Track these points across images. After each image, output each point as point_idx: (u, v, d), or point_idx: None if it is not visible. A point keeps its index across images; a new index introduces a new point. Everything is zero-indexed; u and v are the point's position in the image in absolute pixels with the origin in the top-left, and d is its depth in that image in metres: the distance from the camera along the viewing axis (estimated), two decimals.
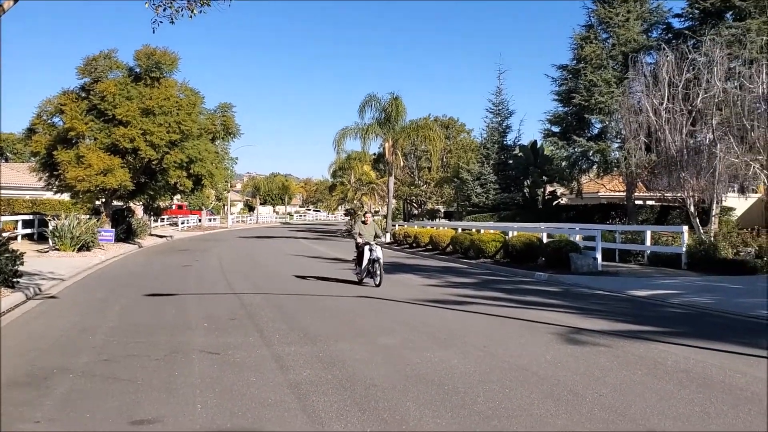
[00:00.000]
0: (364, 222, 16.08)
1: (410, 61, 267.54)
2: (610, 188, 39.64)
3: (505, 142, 45.25)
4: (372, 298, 13.09)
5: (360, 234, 15.60)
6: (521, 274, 19.09)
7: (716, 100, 21.68)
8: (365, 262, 15.14)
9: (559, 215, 35.48)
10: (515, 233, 24.39)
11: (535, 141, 43.22)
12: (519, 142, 45.43)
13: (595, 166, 33.28)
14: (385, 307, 12.03)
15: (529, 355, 7.86)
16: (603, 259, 20.07)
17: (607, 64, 31.48)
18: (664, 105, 22.39)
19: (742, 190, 25.74)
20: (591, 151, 31.54)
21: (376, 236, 15.65)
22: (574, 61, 33.17)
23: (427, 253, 29.13)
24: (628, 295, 14.07)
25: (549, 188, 43.57)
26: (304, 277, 17.34)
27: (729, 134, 21.20)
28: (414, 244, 32.84)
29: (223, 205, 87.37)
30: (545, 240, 22.39)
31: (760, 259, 17.78)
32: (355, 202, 61.31)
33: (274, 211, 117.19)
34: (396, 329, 9.64)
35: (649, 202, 33.66)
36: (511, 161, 44.09)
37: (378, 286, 14.71)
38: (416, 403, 5.86)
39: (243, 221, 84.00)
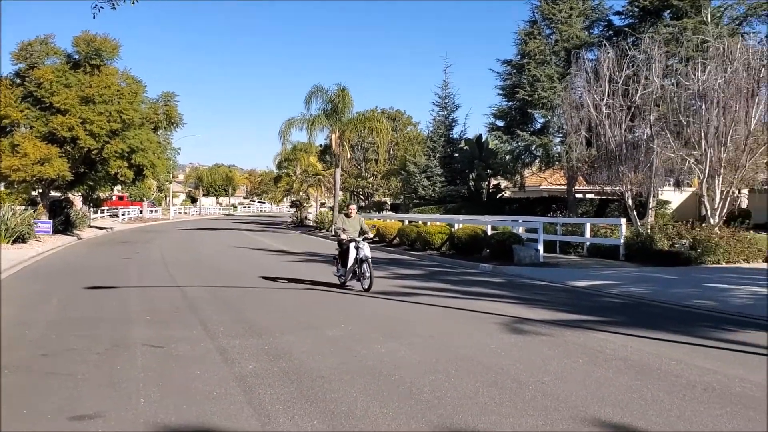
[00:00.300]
0: (347, 215, 13.84)
1: (357, 54, 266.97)
2: (552, 182, 40.49)
3: (451, 136, 45.68)
4: (317, 291, 13.07)
5: (343, 229, 13.45)
6: (466, 265, 19.34)
7: (654, 97, 22.37)
8: (350, 261, 13.05)
9: (502, 208, 36.07)
10: (461, 225, 24.68)
11: (481, 135, 43.80)
12: (465, 136, 45.96)
13: (537, 160, 33.93)
14: (330, 299, 12.02)
15: (475, 345, 7.99)
16: (545, 251, 20.50)
17: (550, 60, 32.08)
18: (605, 101, 22.97)
19: (678, 184, 26.72)
20: (534, 146, 32.14)
21: (362, 232, 13.54)
22: (519, 57, 33.69)
23: (374, 245, 29.08)
24: (569, 285, 14.42)
25: (493, 181, 44.21)
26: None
27: (666, 130, 21.92)
28: None
29: (165, 197, 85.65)
30: (490, 232, 22.73)
31: (693, 251, 18.46)
32: (300, 193, 60.94)
33: (218, 202, 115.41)
34: (343, 321, 9.65)
35: (589, 196, 34.55)
36: (457, 154, 44.52)
37: (367, 290, 12.67)
38: (363, 394, 5.89)
39: (185, 213, 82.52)
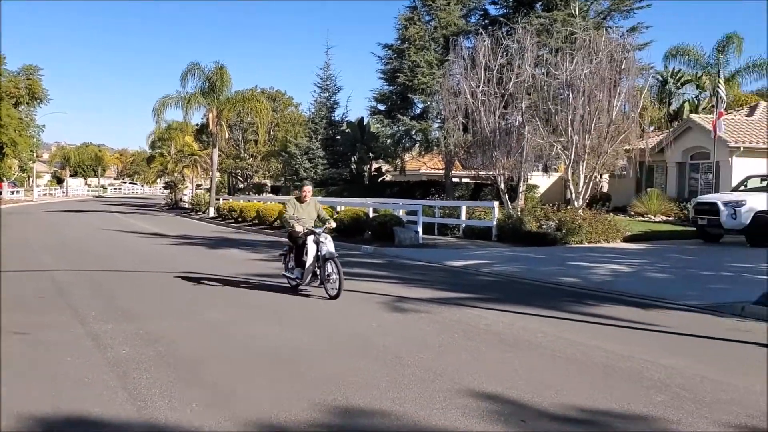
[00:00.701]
0: (299, 199, 10.73)
1: (237, 33, 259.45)
2: (431, 166, 41.52)
3: (333, 118, 45.56)
4: (192, 273, 12.73)
5: (297, 218, 10.35)
6: (349, 247, 19.50)
7: (526, 85, 23.41)
8: (309, 260, 10.00)
9: (384, 191, 36.57)
10: (343, 208, 24.81)
11: (363, 118, 43.99)
12: (347, 118, 45.96)
13: (417, 145, 34.62)
14: (209, 282, 11.75)
15: (358, 324, 8.11)
16: (424, 233, 21.04)
17: (429, 46, 32.69)
18: (480, 88, 23.76)
19: (546, 169, 28.20)
20: (414, 130, 32.76)
21: (320, 219, 10.71)
22: (399, 42, 34.05)
23: (253, 228, 28.73)
24: (446, 265, 14.92)
25: (375, 165, 44.65)
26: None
27: (536, 117, 23.04)
28: (240, 219, 32.23)
29: (28, 177, 79.83)
30: (372, 214, 23.01)
31: (559, 232, 19.59)
32: (175, 174, 58.82)
33: (86, 183, 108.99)
34: (222, 305, 9.48)
35: (465, 180, 35.70)
36: (339, 137, 44.51)
37: (334, 297, 9.70)
38: (245, 376, 5.84)
39: (51, 194, 77.44)
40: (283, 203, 9.79)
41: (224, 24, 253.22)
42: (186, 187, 63.26)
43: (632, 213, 26.85)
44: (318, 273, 10.03)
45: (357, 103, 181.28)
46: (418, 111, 34.28)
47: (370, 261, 15.99)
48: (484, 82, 23.69)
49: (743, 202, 17.78)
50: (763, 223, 17.52)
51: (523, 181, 24.63)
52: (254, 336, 7.41)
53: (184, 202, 54.19)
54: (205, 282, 11.67)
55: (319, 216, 10.70)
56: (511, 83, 23.15)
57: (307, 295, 10.17)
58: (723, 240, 18.95)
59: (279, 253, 11.51)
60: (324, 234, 10.11)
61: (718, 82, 25.44)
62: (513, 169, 23.30)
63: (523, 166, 23.15)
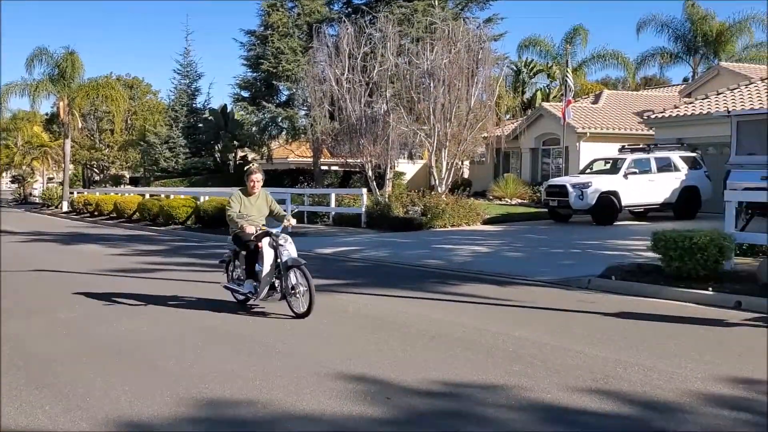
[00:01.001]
0: (247, 192, 8.25)
1: (89, 16, 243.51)
2: (299, 154, 41.28)
3: (194, 105, 44.14)
4: (43, 271, 11.94)
5: (246, 215, 8.04)
6: (214, 239, 19.03)
7: (389, 74, 23.81)
8: (266, 269, 7.78)
9: None
10: (207, 198, 24.16)
11: (226, 105, 43.00)
12: (209, 106, 44.75)
13: (284, 132, 34.31)
14: (61, 279, 11.07)
15: (222, 316, 7.96)
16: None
17: (293, 33, 32.40)
18: (345, 75, 23.89)
19: (411, 156, 28.96)
20: (280, 118, 32.44)
21: (275, 216, 8.39)
22: (262, 28, 33.51)
23: (111, 222, 27.34)
24: (316, 253, 14.92)
25: (240, 153, 43.79)
26: None
27: (400, 105, 23.53)
28: (96, 213, 30.50)
29: None
30: None
31: (424, 216, 20.18)
32: (24, 167, 54.72)
33: None
34: (79, 302, 8.97)
35: (334, 168, 35.86)
36: (201, 125, 43.21)
37: (302, 315, 7.58)
38: (102, 374, 5.57)
39: None
40: (229, 198, 8.33)
41: (75, 7, 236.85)
42: (36, 181, 59.13)
43: (491, 197, 28.16)
44: (278, 285, 7.87)
45: (220, 90, 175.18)
46: (283, 98, 33.95)
47: None
48: (348, 70, 23.83)
49: (589, 184, 19.14)
50: (607, 202, 18.95)
51: (390, 168, 25.09)
52: (113, 332, 7.08)
53: (34, 196, 50.64)
54: (56, 279, 10.97)
55: (272, 212, 8.39)
56: (375, 71, 23.46)
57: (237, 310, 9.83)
58: (572, 220, 20.31)
59: (219, 261, 9.04)
60: (283, 235, 7.88)
61: (566, 71, 27.17)
62: (380, 157, 23.67)
63: (389, 153, 23.59)
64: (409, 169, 33.86)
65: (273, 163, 39.00)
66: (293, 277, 7.69)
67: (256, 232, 7.88)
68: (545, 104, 32.37)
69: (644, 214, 20.43)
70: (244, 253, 8.12)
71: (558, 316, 8.01)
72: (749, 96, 20.61)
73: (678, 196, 19.50)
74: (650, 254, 9.90)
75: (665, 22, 39.16)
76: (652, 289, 8.99)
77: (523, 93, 40.28)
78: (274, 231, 7.87)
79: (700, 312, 7.87)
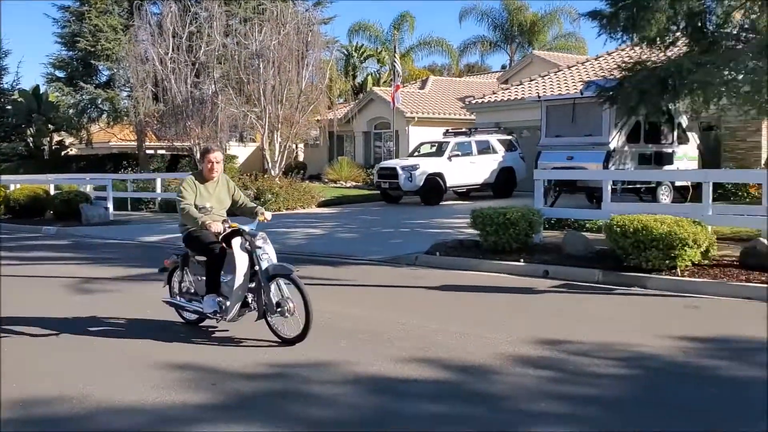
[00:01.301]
0: (201, 177, 6.44)
1: None
2: (122, 137, 38.94)
3: (1, 86, 40.12)
4: None
5: (204, 207, 6.28)
6: (27, 230, 17.55)
7: (217, 54, 23.15)
8: (239, 279, 5.89)
9: (69, 166, 33.54)
10: (18, 186, 22.13)
11: (38, 86, 39.50)
12: (18, 86, 40.85)
13: (105, 115, 32.28)
14: None
15: (40, 311, 7.40)
16: (117, 209, 19.79)
17: (113, 10, 30.40)
18: (170, 55, 22.87)
19: (242, 139, 28.41)
20: (100, 99, 30.48)
21: (238, 206, 6.67)
22: (78, 3, 31.12)
23: None
24: (140, 241, 14.27)
25: (57, 137, 40.49)
26: None
27: (229, 87, 22.99)
28: None
29: None
30: (53, 192, 20.95)
31: (257, 200, 19.91)
32: None
33: None
34: None
35: (161, 152, 34.26)
36: (9, 107, 39.37)
37: (294, 341, 5.79)
38: None
39: None
40: (180, 186, 6.27)
41: None
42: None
43: (326, 180, 28.42)
44: (251, 300, 6.02)
45: (31, 69, 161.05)
46: (104, 79, 31.87)
47: (54, 243, 14.59)
48: (173, 50, 22.87)
49: (417, 166, 19.90)
50: (433, 184, 19.82)
51: (221, 150, 24.46)
52: None
53: None
54: None
55: (236, 202, 6.59)
56: (202, 51, 22.75)
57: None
58: (403, 201, 21.03)
59: (160, 269, 7.06)
60: (260, 234, 6.03)
61: (395, 57, 27.96)
62: (209, 139, 22.93)
63: (218, 135, 22.99)
64: (241, 152, 33.20)
65: (94, 148, 36.55)
66: (277, 290, 5.87)
67: (224, 230, 6.02)
68: (376, 89, 33.10)
69: (467, 194, 21.61)
70: (202, 258, 6.19)
71: (388, 293, 8.31)
72: (557, 82, 22.45)
73: (496, 177, 20.82)
74: (471, 231, 10.52)
75: (485, 11, 41.58)
76: (472, 263, 9.60)
77: (355, 77, 40.92)
78: (247, 228, 6.02)
79: (513, 282, 8.53)
